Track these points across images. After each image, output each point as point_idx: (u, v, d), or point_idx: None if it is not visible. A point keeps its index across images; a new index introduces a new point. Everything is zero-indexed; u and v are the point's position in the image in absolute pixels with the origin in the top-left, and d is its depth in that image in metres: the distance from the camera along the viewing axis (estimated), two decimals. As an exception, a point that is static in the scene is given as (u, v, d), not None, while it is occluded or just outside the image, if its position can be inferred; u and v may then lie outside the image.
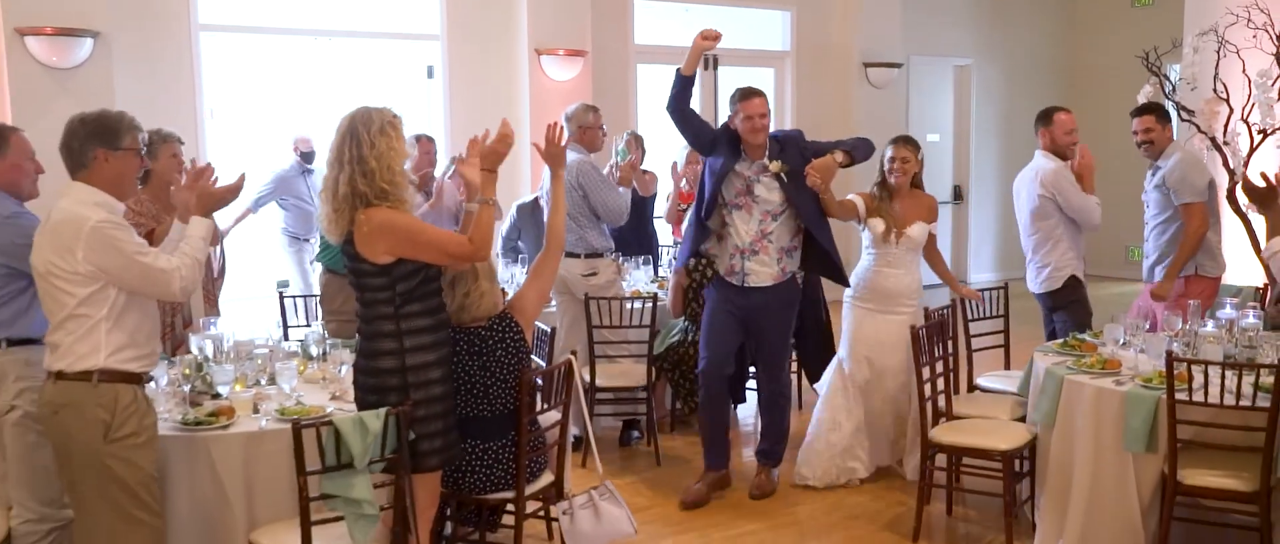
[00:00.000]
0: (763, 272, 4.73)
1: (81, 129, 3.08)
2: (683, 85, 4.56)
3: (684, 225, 5.15)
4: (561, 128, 3.95)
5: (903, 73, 10.45)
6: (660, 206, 7.02)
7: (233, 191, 3.35)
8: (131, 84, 6.80)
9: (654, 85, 8.87)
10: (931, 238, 5.08)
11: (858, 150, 4.82)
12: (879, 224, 4.90)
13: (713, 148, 4.73)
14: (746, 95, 4.65)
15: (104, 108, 3.16)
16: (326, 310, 4.99)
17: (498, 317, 3.59)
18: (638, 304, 5.57)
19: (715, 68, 9.48)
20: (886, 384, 5.04)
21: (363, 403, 3.31)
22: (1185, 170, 5.08)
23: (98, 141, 3.07)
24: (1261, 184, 4.20)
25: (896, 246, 4.91)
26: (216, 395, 3.75)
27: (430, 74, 8.27)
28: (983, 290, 5.50)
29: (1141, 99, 6.78)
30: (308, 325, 4.98)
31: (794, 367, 6.66)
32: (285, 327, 5.25)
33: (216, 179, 3.36)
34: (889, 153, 4.95)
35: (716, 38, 4.47)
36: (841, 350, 5.10)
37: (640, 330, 5.44)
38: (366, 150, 3.23)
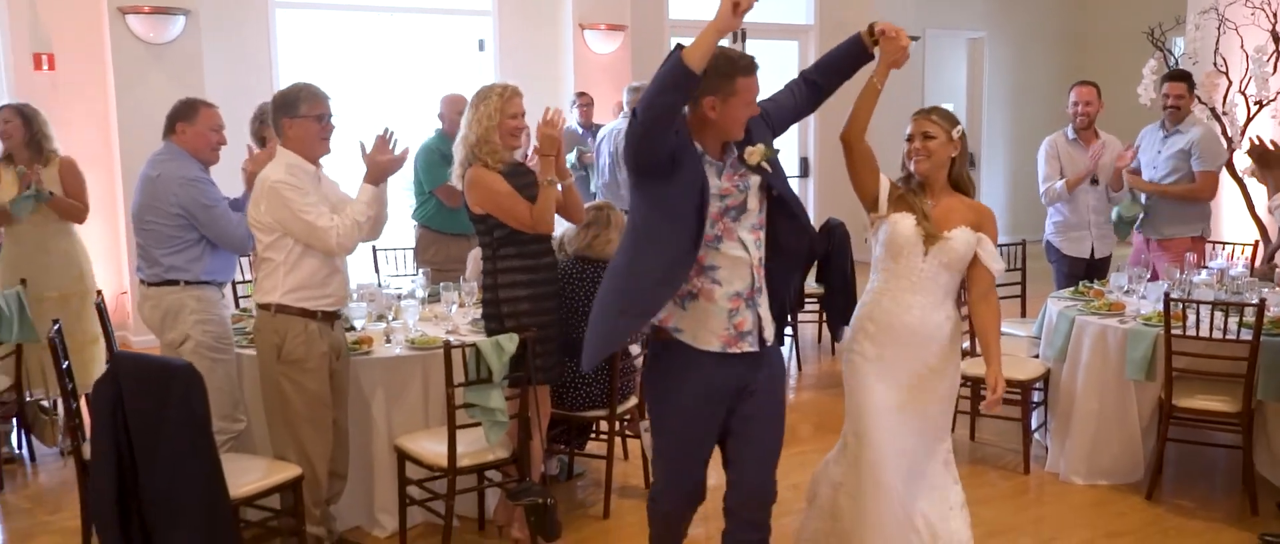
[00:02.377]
0: (768, 322, 3.11)
1: (271, 105, 3.70)
2: (686, 82, 2.75)
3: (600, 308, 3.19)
4: (559, 112, 3.84)
5: (919, 45, 10.99)
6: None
7: (397, 162, 3.80)
8: (217, 58, 7.39)
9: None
10: (984, 274, 3.29)
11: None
12: (907, 220, 3.24)
13: (673, 166, 2.91)
14: (749, 69, 2.93)
15: (298, 82, 3.69)
16: (420, 261, 5.62)
17: None
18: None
19: (744, 41, 10.04)
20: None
21: (485, 329, 3.95)
22: (1212, 143, 5.68)
23: (282, 112, 3.64)
24: (1270, 146, 4.64)
25: (924, 261, 3.22)
26: (352, 328, 4.38)
27: (481, 47, 8.85)
28: (998, 248, 6.09)
29: (1147, 73, 7.39)
30: (412, 274, 5.60)
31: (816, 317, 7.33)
32: (378, 274, 5.91)
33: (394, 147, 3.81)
34: (908, 130, 3.32)
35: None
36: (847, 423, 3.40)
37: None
38: (471, 115, 3.86)
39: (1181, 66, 7.51)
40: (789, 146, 10.51)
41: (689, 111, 2.97)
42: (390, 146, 3.78)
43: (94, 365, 5.05)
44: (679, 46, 2.74)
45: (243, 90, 7.28)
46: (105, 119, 7.24)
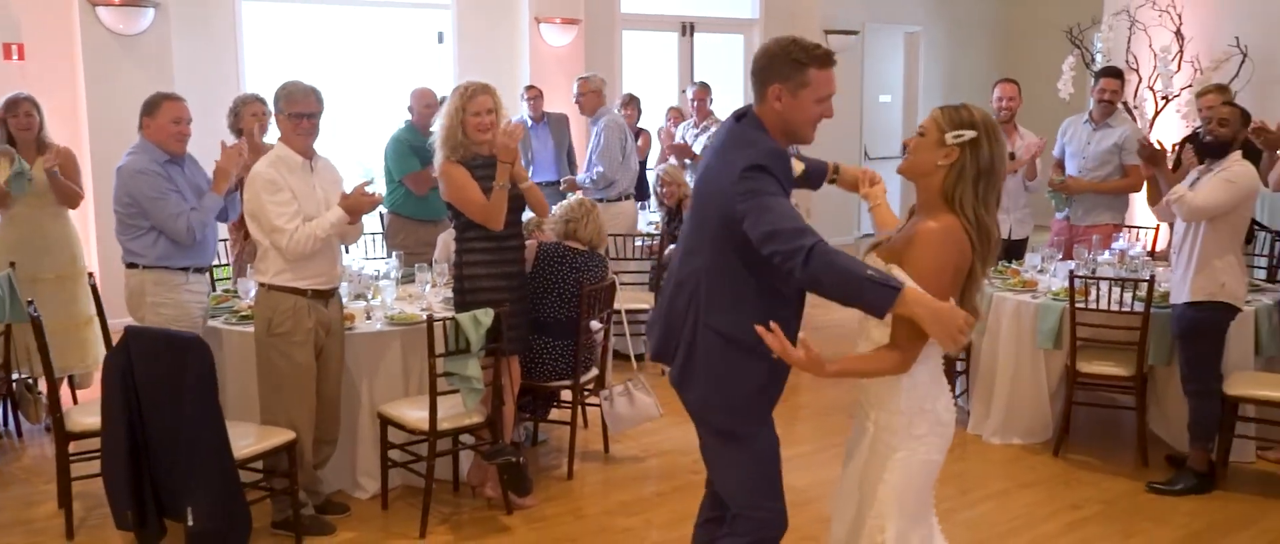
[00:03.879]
0: None
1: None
2: (867, 312, 2.54)
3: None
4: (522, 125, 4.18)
5: (858, 39, 11.49)
6: (651, 159, 8.37)
7: (371, 202, 4.12)
8: (186, 50, 7.62)
9: (638, 51, 9.90)
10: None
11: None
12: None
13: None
14: (825, 61, 2.69)
15: (290, 80, 4.02)
16: (391, 245, 5.98)
17: (594, 251, 4.66)
18: (639, 241, 6.66)
19: (691, 34, 10.46)
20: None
21: (453, 304, 4.33)
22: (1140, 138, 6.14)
23: (273, 107, 4.03)
24: (1156, 147, 5.15)
25: None
26: (334, 307, 4.73)
27: (440, 40, 9.16)
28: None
29: (1066, 69, 7.97)
30: (385, 257, 5.96)
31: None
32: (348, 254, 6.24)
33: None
34: None
35: None
36: None
37: (642, 262, 6.52)
38: (441, 111, 4.27)
39: (1097, 63, 8.12)
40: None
41: (756, 104, 2.75)
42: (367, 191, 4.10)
43: (92, 344, 5.34)
44: (899, 288, 2.41)
45: (211, 82, 7.55)
46: (75, 110, 7.42)
